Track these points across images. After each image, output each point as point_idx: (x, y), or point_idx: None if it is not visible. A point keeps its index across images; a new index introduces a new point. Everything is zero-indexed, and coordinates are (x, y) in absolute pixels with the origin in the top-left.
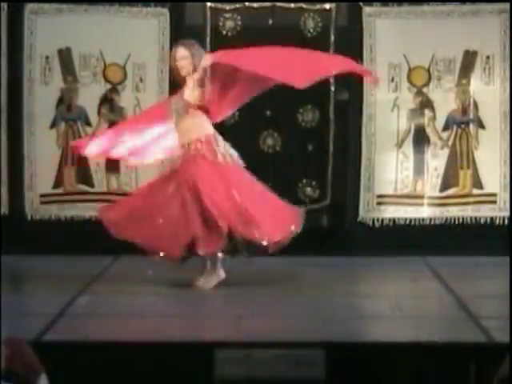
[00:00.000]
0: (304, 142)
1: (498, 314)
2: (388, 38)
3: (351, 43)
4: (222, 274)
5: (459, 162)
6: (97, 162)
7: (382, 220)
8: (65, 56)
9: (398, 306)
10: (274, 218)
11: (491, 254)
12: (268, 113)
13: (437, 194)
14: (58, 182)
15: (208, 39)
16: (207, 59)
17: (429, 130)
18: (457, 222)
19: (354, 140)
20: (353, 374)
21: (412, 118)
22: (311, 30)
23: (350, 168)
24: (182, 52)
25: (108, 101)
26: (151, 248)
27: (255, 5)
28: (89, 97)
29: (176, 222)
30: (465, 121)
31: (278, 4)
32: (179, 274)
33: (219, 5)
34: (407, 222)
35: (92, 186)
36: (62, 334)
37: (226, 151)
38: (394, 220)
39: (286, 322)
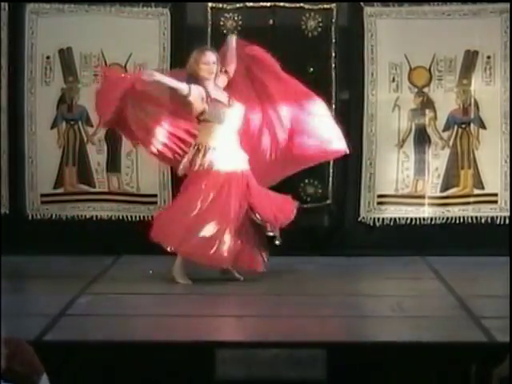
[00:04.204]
0: None
1: (498, 313)
2: (389, 38)
3: (352, 43)
4: None
5: (460, 162)
6: (98, 162)
7: (383, 220)
8: (66, 56)
9: (398, 305)
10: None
11: (492, 254)
12: None
13: (437, 193)
14: (58, 182)
15: (209, 39)
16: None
17: (430, 130)
18: (457, 222)
19: (355, 140)
20: (353, 374)
21: (413, 117)
22: (312, 30)
23: (350, 168)
24: (213, 57)
25: None
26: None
27: (256, 4)
28: (90, 97)
29: None
30: (466, 121)
31: (279, 4)
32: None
33: (220, 5)
34: (408, 221)
35: (93, 185)
36: (63, 334)
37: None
38: (394, 220)
39: (287, 322)
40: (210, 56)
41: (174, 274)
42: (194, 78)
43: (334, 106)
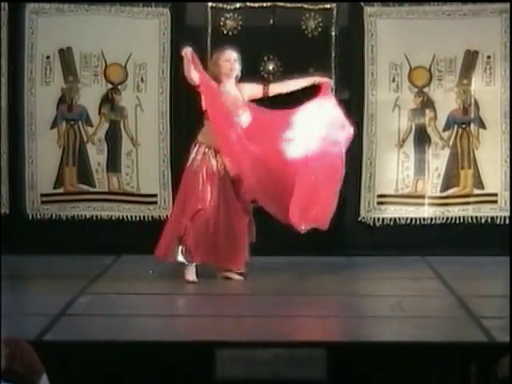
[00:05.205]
0: None
1: (498, 313)
2: (389, 38)
3: (352, 43)
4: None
5: (460, 162)
6: (98, 162)
7: (383, 220)
8: (66, 56)
9: (398, 305)
10: None
11: (492, 254)
12: None
13: (438, 193)
14: (58, 182)
15: (209, 39)
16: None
17: (430, 130)
18: (457, 222)
19: (355, 140)
20: (353, 374)
21: (413, 117)
22: (312, 30)
23: (351, 168)
24: (235, 54)
25: (109, 100)
26: None
27: (256, 4)
28: (90, 96)
29: None
30: (466, 121)
31: (279, 4)
32: (179, 273)
33: (220, 4)
34: (408, 221)
35: (93, 185)
36: (63, 334)
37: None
38: (394, 220)
39: (287, 322)
40: (231, 53)
41: (184, 269)
42: (215, 78)
43: None
